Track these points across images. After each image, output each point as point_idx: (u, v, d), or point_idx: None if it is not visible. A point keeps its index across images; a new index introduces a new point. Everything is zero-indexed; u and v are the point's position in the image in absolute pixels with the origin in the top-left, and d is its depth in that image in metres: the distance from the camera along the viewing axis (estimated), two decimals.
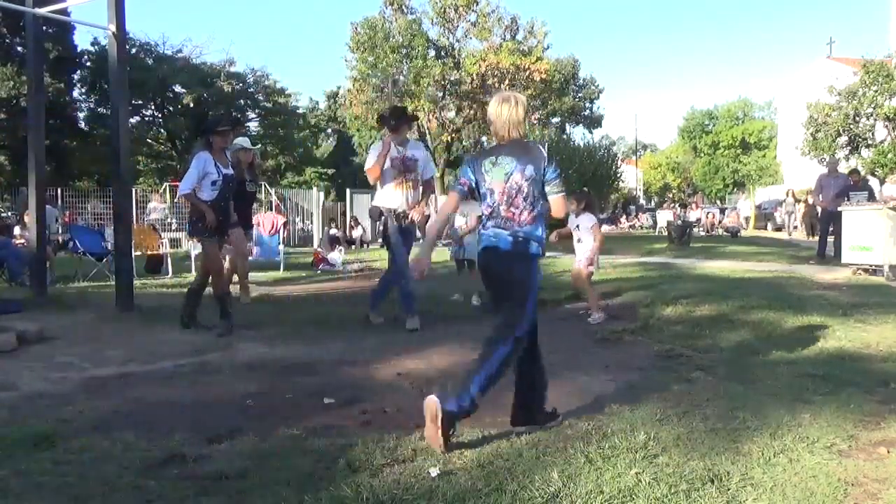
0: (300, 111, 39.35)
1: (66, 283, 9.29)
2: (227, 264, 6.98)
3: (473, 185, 3.23)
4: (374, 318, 6.07)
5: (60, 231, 14.83)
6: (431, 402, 2.82)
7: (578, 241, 6.55)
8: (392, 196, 5.83)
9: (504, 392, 3.80)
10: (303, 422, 3.22)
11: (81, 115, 32.76)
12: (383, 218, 5.84)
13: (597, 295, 6.60)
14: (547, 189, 3.14)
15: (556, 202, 3.17)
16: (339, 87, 41.92)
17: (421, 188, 5.98)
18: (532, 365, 3.20)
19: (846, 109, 22.98)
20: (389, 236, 5.88)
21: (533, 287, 3.15)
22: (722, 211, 32.60)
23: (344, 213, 23.68)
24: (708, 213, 28.96)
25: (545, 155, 3.14)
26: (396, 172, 5.81)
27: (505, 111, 3.18)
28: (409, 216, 5.87)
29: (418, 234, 6.16)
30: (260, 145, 30.21)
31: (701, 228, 24.86)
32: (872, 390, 3.69)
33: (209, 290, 5.94)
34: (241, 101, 33.80)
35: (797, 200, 24.15)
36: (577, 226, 6.54)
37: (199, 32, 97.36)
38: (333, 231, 18.23)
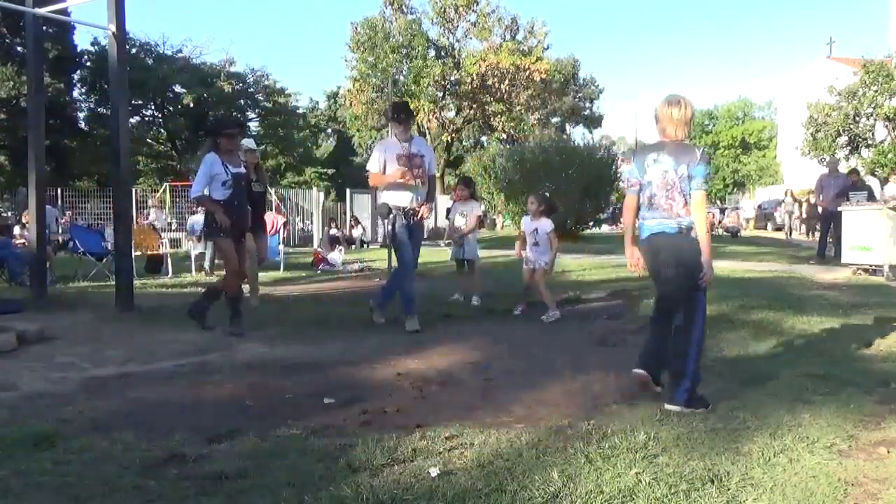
0: (300, 111, 39.37)
1: (66, 283, 9.29)
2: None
3: (642, 182, 3.60)
4: (377, 318, 6.04)
5: (60, 231, 14.84)
6: (671, 407, 3.34)
7: (535, 244, 6.54)
8: (400, 194, 5.75)
9: (504, 392, 3.81)
10: (303, 422, 3.22)
11: (81, 115, 32.81)
12: (391, 216, 5.75)
13: (552, 293, 6.66)
14: (691, 184, 3.44)
15: (693, 196, 3.45)
16: (339, 87, 41.96)
17: (425, 187, 5.88)
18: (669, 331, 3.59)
19: (846, 109, 22.97)
20: (397, 235, 5.80)
21: (699, 265, 3.47)
22: (722, 211, 32.61)
23: (344, 213, 23.69)
24: (708, 212, 28.92)
25: (698, 155, 3.48)
26: (402, 169, 5.70)
27: (675, 112, 3.51)
28: (420, 213, 5.81)
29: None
30: (263, 145, 30.19)
31: None
32: (872, 390, 3.69)
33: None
34: (241, 101, 33.82)
35: (796, 200, 24.16)
36: (536, 229, 6.53)
37: (199, 32, 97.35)
38: (333, 231, 18.21)
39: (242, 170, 5.87)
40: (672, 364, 3.49)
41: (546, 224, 6.57)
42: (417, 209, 5.79)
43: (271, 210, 15.82)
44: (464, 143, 36.95)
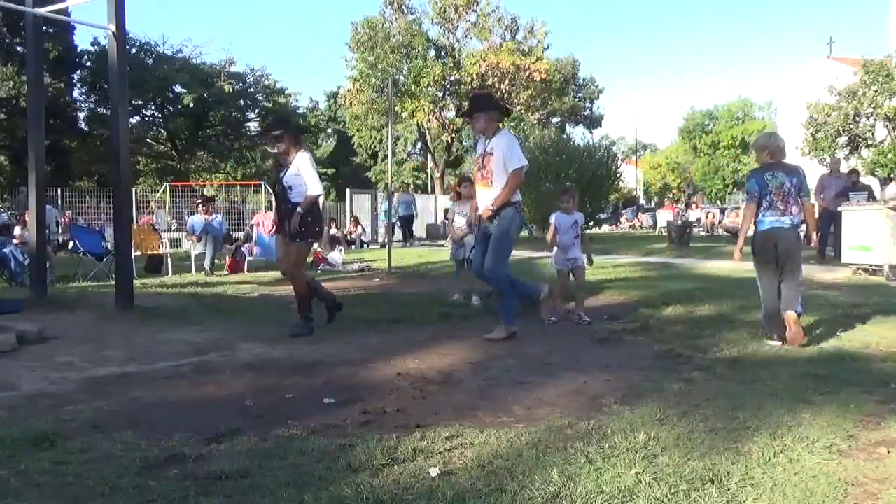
0: (300, 111, 39.35)
1: (66, 283, 9.29)
2: None
3: (760, 192, 4.98)
4: (496, 335, 5.33)
5: (60, 231, 14.84)
6: (791, 315, 4.81)
7: (577, 236, 6.47)
8: (478, 198, 5.39)
9: (504, 392, 3.81)
10: (303, 422, 3.22)
11: (81, 115, 32.81)
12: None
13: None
14: (801, 193, 4.98)
15: (805, 202, 5.06)
16: (339, 87, 41.94)
17: (497, 186, 5.19)
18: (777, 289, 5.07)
19: (846, 109, 22.95)
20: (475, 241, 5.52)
21: (801, 248, 5.12)
22: (722, 211, 32.57)
23: (344, 213, 23.67)
24: (708, 213, 28.92)
25: (802, 172, 5.05)
26: (474, 170, 5.46)
27: (781, 142, 5.14)
28: (477, 216, 5.38)
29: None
30: (263, 145, 30.15)
31: (701, 228, 24.83)
32: (872, 390, 3.69)
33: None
34: (241, 101, 33.81)
35: None
36: (576, 221, 6.47)
37: (199, 32, 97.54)
38: (333, 231, 18.20)
39: (282, 173, 5.78)
40: (784, 297, 4.91)
41: (581, 216, 6.55)
42: (474, 213, 5.49)
43: (271, 210, 15.84)
44: (464, 143, 36.94)
